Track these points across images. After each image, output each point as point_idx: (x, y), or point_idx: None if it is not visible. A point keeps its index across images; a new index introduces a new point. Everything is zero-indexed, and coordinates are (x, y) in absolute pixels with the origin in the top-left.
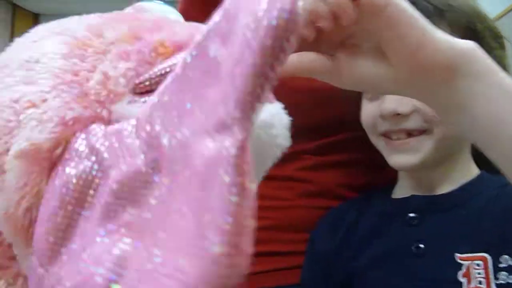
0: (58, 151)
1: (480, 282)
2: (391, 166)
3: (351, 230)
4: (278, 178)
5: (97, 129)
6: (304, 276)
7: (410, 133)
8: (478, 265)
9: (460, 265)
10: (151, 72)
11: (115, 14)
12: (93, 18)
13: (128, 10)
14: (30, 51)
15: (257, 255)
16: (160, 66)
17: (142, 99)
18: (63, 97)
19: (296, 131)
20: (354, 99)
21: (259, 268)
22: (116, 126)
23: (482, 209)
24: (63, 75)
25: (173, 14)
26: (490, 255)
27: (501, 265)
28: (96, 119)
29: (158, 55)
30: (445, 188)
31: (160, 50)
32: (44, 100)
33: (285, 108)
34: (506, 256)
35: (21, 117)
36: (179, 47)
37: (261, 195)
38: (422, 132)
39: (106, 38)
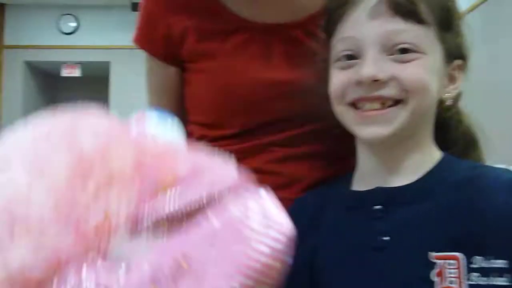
0: (47, 285)
1: (451, 282)
2: (360, 138)
3: (315, 221)
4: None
5: (90, 268)
6: None
7: (383, 103)
8: (450, 264)
9: (433, 263)
10: (150, 212)
11: (119, 129)
12: (102, 135)
13: (132, 119)
14: (36, 156)
15: None
16: (158, 207)
17: (140, 236)
18: (63, 229)
19: (264, 124)
20: (318, 91)
21: None
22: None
23: (449, 200)
24: (65, 205)
25: (173, 128)
26: (463, 254)
27: (473, 266)
28: (93, 254)
29: (158, 194)
30: (409, 176)
31: (161, 189)
32: (43, 232)
33: (252, 100)
34: (478, 257)
35: (16, 239)
36: (179, 186)
37: None
38: (396, 102)
39: (110, 167)
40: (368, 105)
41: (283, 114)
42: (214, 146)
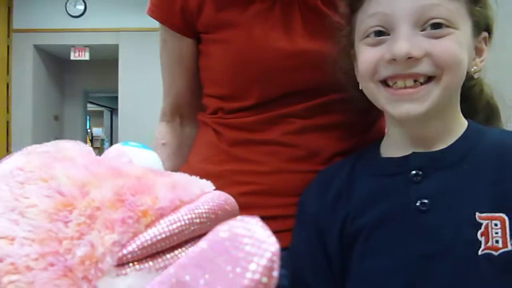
0: None
1: (497, 241)
2: (393, 116)
3: (344, 192)
4: (266, 143)
5: None
6: (294, 239)
7: (416, 80)
8: (495, 224)
9: (479, 224)
10: (134, 245)
11: (98, 163)
12: (79, 169)
13: (110, 152)
14: (14, 198)
15: None
16: (143, 238)
17: (125, 271)
18: (49, 271)
19: (282, 94)
20: (338, 63)
21: None
22: None
23: (488, 163)
24: (49, 241)
25: (151, 159)
26: (507, 215)
27: None
28: None
29: (142, 224)
30: (442, 142)
31: (143, 220)
32: (29, 269)
33: (271, 70)
34: None
35: (4, 279)
36: (161, 215)
37: (248, 161)
38: (429, 79)
39: (91, 200)
40: (400, 82)
41: (302, 84)
42: (231, 118)
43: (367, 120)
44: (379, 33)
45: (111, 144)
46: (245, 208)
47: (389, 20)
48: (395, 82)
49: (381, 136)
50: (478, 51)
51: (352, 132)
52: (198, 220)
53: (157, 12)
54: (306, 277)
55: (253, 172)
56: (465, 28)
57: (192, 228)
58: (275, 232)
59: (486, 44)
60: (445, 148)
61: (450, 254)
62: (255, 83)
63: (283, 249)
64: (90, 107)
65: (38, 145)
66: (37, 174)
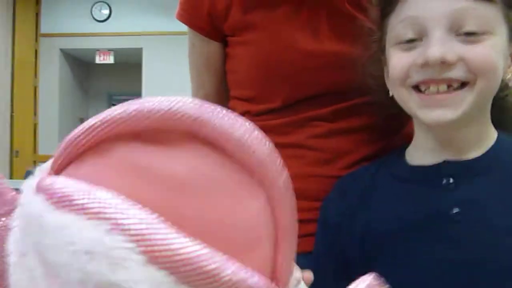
0: None
1: None
2: (423, 122)
3: (366, 197)
4: (290, 146)
5: None
6: (316, 244)
7: (449, 85)
8: None
9: None
10: None
11: None
12: None
13: None
14: None
15: None
16: None
17: None
18: None
19: (308, 97)
20: (367, 67)
21: None
22: None
23: None
24: None
25: None
26: None
27: None
28: None
29: None
30: (473, 150)
31: None
32: None
33: (298, 71)
34: None
35: None
36: None
37: None
38: (463, 84)
39: None
40: (433, 88)
41: (329, 86)
42: (257, 121)
43: (394, 125)
44: (411, 40)
45: None
46: None
47: (422, 24)
48: (428, 88)
49: (408, 141)
50: None
51: (379, 136)
52: None
53: (185, 16)
54: (327, 282)
55: None
56: (501, 33)
57: None
58: (299, 237)
59: None
60: (478, 156)
61: (488, 263)
62: (282, 84)
63: (305, 253)
64: None
65: None
66: None
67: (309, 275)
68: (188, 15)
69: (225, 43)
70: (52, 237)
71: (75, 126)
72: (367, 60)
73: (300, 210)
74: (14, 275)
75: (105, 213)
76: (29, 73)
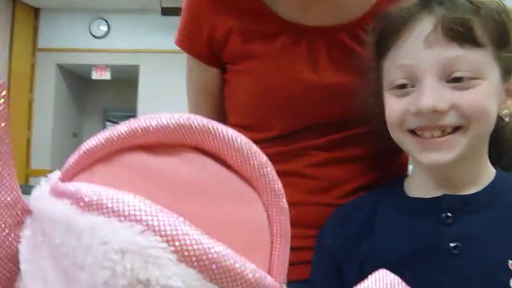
0: None
1: None
2: (421, 163)
3: (365, 228)
4: (287, 174)
5: None
6: (313, 272)
7: (443, 130)
8: None
9: (511, 271)
10: None
11: None
12: None
13: None
14: None
15: None
16: None
17: None
18: None
19: (306, 127)
20: (370, 103)
21: None
22: None
23: None
24: None
25: None
26: None
27: None
28: None
29: None
30: (471, 186)
31: None
32: None
33: (296, 102)
34: None
35: None
36: None
37: None
38: (456, 129)
39: None
40: (427, 133)
41: (327, 117)
42: None
43: (390, 154)
44: (403, 86)
45: None
46: None
47: (415, 72)
48: (423, 132)
49: (403, 170)
50: (510, 93)
51: (374, 165)
52: None
53: (184, 42)
54: None
55: None
56: (493, 76)
57: None
58: (293, 264)
59: None
60: (477, 192)
61: None
62: (280, 114)
63: (299, 281)
64: (109, 125)
65: None
66: None
67: None
68: (188, 41)
69: (223, 69)
70: (81, 238)
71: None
72: (368, 98)
73: (296, 237)
74: (29, 283)
75: (136, 215)
76: (25, 87)
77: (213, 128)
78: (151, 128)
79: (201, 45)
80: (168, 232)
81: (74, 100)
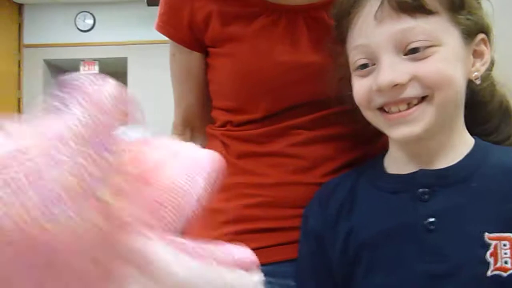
0: None
1: (506, 262)
2: (392, 139)
3: (346, 205)
4: (270, 155)
5: None
6: (300, 252)
7: (409, 102)
8: (504, 245)
9: (488, 244)
10: None
11: None
12: None
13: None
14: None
15: (252, 231)
16: None
17: None
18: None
19: (289, 107)
20: (342, 76)
21: (254, 245)
22: None
23: (496, 182)
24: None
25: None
26: None
27: None
28: None
29: None
30: (447, 159)
31: None
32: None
33: (278, 83)
34: None
35: None
36: None
37: (254, 173)
38: (422, 99)
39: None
40: (394, 108)
41: (308, 96)
42: (238, 131)
43: (373, 132)
44: (365, 65)
45: None
46: (250, 220)
47: (372, 50)
48: (390, 108)
49: (386, 147)
50: (478, 54)
51: (358, 143)
52: None
53: (165, 27)
54: (310, 287)
55: (258, 184)
56: (451, 41)
57: None
58: (280, 245)
59: (486, 45)
60: (452, 165)
61: (458, 275)
62: (262, 96)
63: (289, 260)
64: None
65: None
66: None
67: None
68: (168, 26)
69: (206, 53)
70: None
71: None
72: (340, 83)
73: (283, 218)
74: None
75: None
76: (13, 85)
77: None
78: None
79: (182, 29)
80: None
81: None
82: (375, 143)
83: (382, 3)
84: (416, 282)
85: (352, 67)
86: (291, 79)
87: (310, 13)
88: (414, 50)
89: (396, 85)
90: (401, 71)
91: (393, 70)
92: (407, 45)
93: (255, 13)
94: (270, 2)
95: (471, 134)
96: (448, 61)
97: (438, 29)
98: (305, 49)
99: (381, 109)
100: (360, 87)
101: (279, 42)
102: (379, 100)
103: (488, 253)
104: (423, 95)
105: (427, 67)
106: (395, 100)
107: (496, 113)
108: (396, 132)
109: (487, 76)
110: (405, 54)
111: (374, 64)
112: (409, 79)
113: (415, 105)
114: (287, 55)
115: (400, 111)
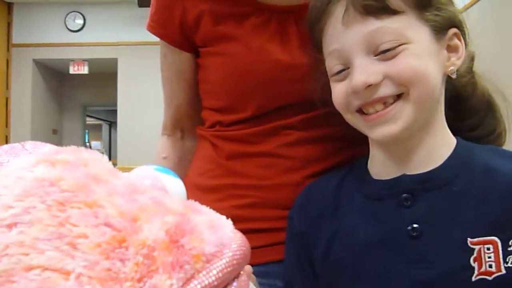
0: None
1: (490, 266)
2: (373, 139)
3: (329, 208)
4: (260, 155)
5: None
6: (286, 253)
7: (385, 102)
8: (488, 249)
9: (471, 249)
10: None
11: (138, 191)
12: (123, 197)
13: (139, 175)
14: (59, 222)
15: (243, 232)
16: (199, 285)
17: None
18: None
19: (279, 106)
20: (325, 81)
21: None
22: None
23: (478, 185)
24: (110, 281)
25: (179, 187)
26: (499, 238)
27: (510, 249)
28: None
29: (195, 269)
30: (430, 162)
31: (197, 265)
32: None
33: (268, 82)
34: None
35: None
36: (208, 260)
37: (244, 174)
38: (398, 98)
39: (146, 239)
40: (371, 109)
41: (299, 97)
42: (228, 131)
43: (361, 133)
44: (340, 71)
45: (110, 157)
46: (239, 221)
47: (344, 55)
48: (368, 109)
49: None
50: (452, 49)
51: (347, 145)
52: (237, 265)
53: (156, 27)
54: None
55: (248, 185)
56: (420, 37)
57: (234, 272)
58: (270, 245)
59: (460, 39)
60: (434, 169)
61: (444, 281)
62: (252, 95)
63: (278, 261)
64: (89, 120)
65: (49, 147)
66: (79, 197)
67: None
68: (159, 26)
69: (196, 54)
70: None
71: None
72: (323, 92)
73: (272, 219)
74: None
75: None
76: (1, 84)
77: None
78: None
79: (173, 29)
80: None
81: (52, 96)
82: (363, 145)
83: (347, 7)
84: None
85: (329, 73)
86: (283, 78)
87: (301, 13)
88: (384, 51)
89: (369, 85)
90: (373, 71)
91: (365, 71)
92: (376, 47)
93: (247, 12)
94: (260, 2)
95: (456, 130)
96: (419, 57)
97: (406, 27)
98: (295, 49)
99: (360, 111)
100: (338, 91)
101: (270, 42)
102: (356, 103)
103: (471, 258)
104: (397, 93)
105: (398, 65)
106: (370, 101)
107: (480, 107)
108: (376, 132)
109: (467, 70)
110: (376, 55)
111: (349, 68)
112: (382, 78)
113: (391, 104)
114: (279, 54)
115: (377, 111)
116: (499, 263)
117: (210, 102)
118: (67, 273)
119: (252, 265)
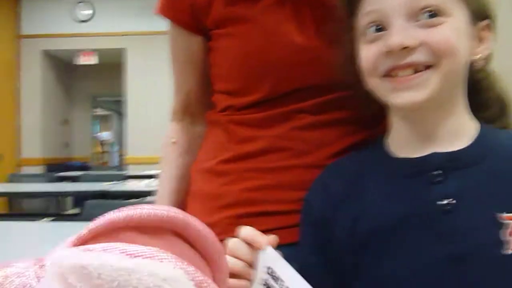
0: None
1: None
2: (395, 106)
3: (353, 190)
4: (273, 138)
5: None
6: (301, 237)
7: (415, 68)
8: None
9: (504, 224)
10: None
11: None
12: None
13: None
14: None
15: (252, 215)
16: None
17: None
18: None
19: (292, 90)
20: (348, 54)
21: (257, 229)
22: None
23: (504, 162)
24: None
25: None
26: None
27: None
28: None
29: None
30: (456, 141)
31: None
32: None
33: (282, 64)
34: None
35: None
36: None
37: (256, 158)
38: (428, 67)
39: None
40: (400, 73)
41: (313, 80)
42: (240, 115)
43: (376, 117)
44: (376, 30)
45: (121, 147)
46: (250, 204)
47: (384, 16)
48: (397, 74)
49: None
50: (481, 39)
51: (361, 128)
52: None
53: (166, 10)
54: (313, 274)
55: (260, 168)
56: (460, 15)
57: None
58: (281, 228)
59: (489, 32)
60: (463, 148)
61: (478, 256)
62: (265, 76)
63: (290, 244)
64: (99, 111)
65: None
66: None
67: (274, 238)
68: (170, 9)
69: (207, 38)
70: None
71: (58, 128)
72: (346, 60)
73: (284, 201)
74: None
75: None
76: (11, 76)
77: (191, 222)
78: (144, 217)
79: (184, 12)
80: (193, 274)
81: (62, 87)
82: (377, 127)
83: None
84: (436, 265)
85: (360, 34)
86: (297, 60)
87: None
88: (427, 16)
89: (405, 47)
90: (412, 35)
91: (404, 33)
92: (419, 11)
93: None
94: None
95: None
96: (456, 33)
97: (449, 1)
98: (311, 31)
99: (387, 76)
100: (368, 51)
101: (285, 23)
102: (386, 65)
103: (504, 233)
104: (429, 63)
105: (437, 34)
106: (402, 64)
107: (495, 103)
108: (400, 97)
109: (485, 67)
110: (416, 21)
111: (385, 30)
112: (418, 43)
113: (420, 71)
114: (294, 36)
115: (405, 76)
116: None
117: (221, 85)
118: None
119: None
